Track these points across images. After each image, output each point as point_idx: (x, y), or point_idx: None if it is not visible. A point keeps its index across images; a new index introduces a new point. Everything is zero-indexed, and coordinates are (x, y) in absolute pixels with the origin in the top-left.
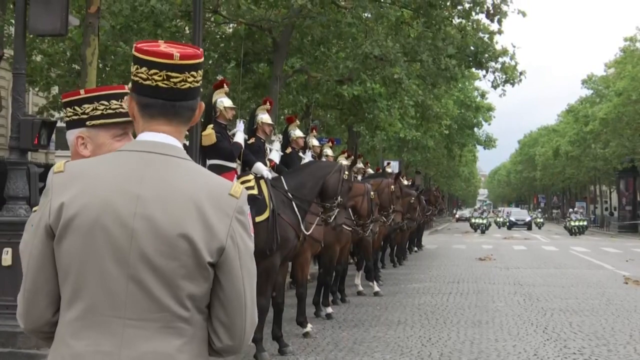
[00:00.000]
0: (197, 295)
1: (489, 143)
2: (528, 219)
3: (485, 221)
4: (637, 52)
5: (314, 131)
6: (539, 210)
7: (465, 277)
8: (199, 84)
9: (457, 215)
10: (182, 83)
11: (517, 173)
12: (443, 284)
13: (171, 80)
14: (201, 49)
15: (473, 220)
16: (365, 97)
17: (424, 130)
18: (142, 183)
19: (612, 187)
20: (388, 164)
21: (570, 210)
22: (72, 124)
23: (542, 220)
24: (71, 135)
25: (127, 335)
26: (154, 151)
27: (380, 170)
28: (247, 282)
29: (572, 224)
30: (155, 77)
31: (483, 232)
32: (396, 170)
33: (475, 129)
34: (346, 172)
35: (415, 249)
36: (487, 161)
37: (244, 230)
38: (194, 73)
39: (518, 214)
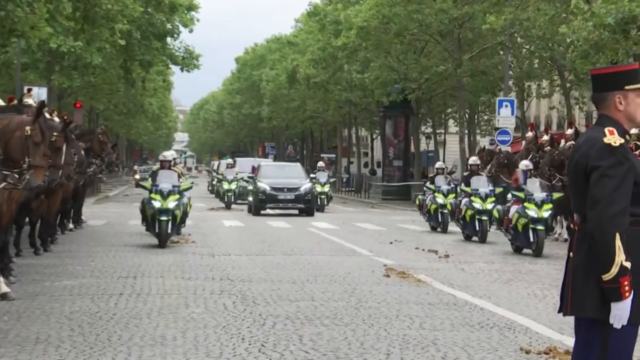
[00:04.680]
0: None
1: (189, 62)
2: (305, 184)
3: (174, 206)
4: None
5: None
6: (324, 168)
7: (145, 269)
8: None
9: (138, 175)
10: None
11: (234, 108)
12: (111, 280)
13: None
14: None
15: (152, 198)
16: None
17: (88, 39)
18: None
19: (375, 132)
20: (29, 90)
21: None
22: None
23: (329, 189)
24: None
25: None
26: None
27: (16, 102)
28: None
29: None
30: None
31: (164, 239)
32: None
33: (169, 40)
34: None
35: (71, 225)
36: (188, 90)
37: None
38: None
39: (283, 172)
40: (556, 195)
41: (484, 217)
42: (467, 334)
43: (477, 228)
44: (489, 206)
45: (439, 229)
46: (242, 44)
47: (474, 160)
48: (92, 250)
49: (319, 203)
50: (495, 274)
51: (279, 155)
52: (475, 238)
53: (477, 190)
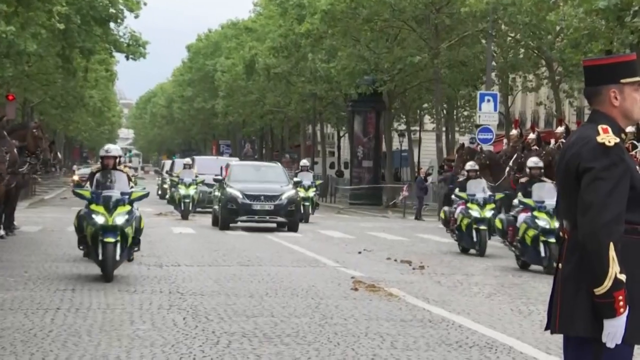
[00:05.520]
0: None
1: (135, 49)
2: (288, 191)
3: (124, 221)
4: None
5: None
6: (307, 167)
7: (85, 280)
8: None
9: (76, 176)
10: None
11: (185, 102)
12: (47, 293)
13: None
14: None
15: (93, 210)
16: None
17: (22, 23)
18: None
19: (342, 129)
20: None
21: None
22: None
23: (314, 192)
24: None
25: None
26: None
27: None
28: None
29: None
30: None
31: (111, 269)
32: None
33: (113, 25)
34: None
35: (2, 232)
36: (134, 82)
37: None
38: None
39: (259, 174)
40: None
41: (482, 227)
42: (443, 354)
43: (475, 239)
44: (488, 214)
45: (472, 251)
46: (195, 32)
47: (471, 165)
48: (26, 260)
49: (302, 212)
50: (475, 288)
51: (235, 154)
52: (472, 251)
53: (474, 195)
